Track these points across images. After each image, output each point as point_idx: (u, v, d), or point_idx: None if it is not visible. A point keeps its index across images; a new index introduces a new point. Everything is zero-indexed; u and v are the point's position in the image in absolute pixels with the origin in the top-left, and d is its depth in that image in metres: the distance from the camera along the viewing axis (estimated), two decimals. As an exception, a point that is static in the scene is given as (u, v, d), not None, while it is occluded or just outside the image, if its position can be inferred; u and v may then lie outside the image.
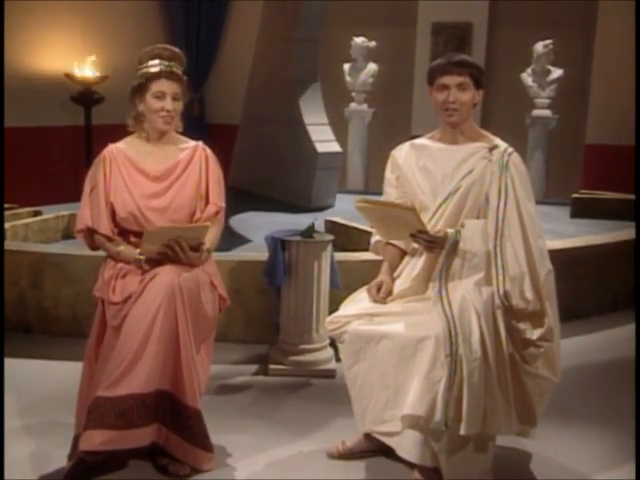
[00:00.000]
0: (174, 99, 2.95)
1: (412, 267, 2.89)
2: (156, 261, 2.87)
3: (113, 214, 2.98)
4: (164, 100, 2.93)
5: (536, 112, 8.22)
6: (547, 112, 8.20)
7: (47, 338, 4.43)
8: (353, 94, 8.65)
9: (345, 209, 5.99)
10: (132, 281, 2.87)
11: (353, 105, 8.65)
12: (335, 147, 7.13)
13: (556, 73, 8.10)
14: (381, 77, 8.70)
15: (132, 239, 2.98)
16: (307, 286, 3.93)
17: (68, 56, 7.75)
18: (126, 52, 7.33)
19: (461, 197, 2.80)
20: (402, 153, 3.00)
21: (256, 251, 4.68)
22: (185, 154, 3.06)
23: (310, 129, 7.03)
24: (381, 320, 2.76)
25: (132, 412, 2.66)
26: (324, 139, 7.05)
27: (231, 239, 5.34)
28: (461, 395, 2.58)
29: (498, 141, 2.89)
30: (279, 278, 3.93)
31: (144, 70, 2.97)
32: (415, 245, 2.86)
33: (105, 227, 2.96)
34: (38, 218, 5.73)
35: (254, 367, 4.07)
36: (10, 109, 7.02)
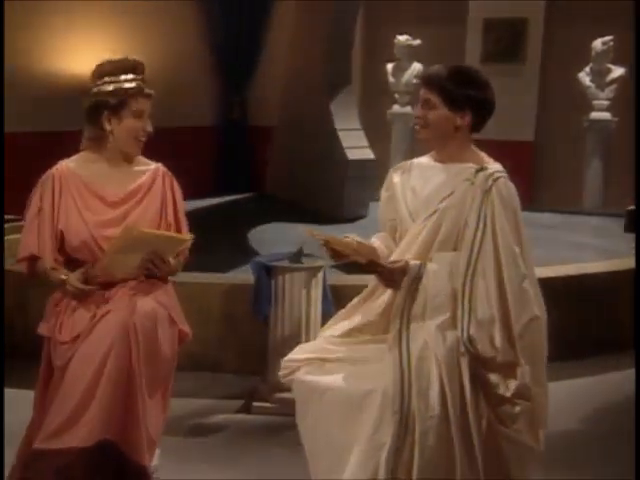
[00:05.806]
0: (148, 118, 2.76)
1: (376, 299, 2.50)
2: (105, 282, 2.66)
3: (60, 242, 2.75)
4: (143, 120, 2.74)
5: (594, 115, 7.91)
6: (606, 115, 7.88)
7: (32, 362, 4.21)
8: (396, 95, 8.35)
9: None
10: (82, 317, 2.66)
11: (396, 107, 8.35)
12: (368, 154, 6.82)
13: (617, 72, 7.78)
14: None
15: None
16: (295, 317, 3.61)
17: (100, 58, 7.62)
18: (164, 54, 7.24)
19: (436, 222, 2.41)
20: (400, 171, 2.66)
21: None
22: (146, 178, 2.84)
23: (341, 135, 6.74)
24: (329, 368, 2.40)
25: (73, 469, 2.45)
26: (356, 145, 6.76)
27: (240, 254, 5.05)
28: (412, 460, 2.19)
29: (492, 164, 2.48)
30: (264, 308, 3.61)
31: (119, 85, 2.70)
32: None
33: (49, 257, 2.73)
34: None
35: (237, 403, 3.77)
36: (32, 114, 6.87)
